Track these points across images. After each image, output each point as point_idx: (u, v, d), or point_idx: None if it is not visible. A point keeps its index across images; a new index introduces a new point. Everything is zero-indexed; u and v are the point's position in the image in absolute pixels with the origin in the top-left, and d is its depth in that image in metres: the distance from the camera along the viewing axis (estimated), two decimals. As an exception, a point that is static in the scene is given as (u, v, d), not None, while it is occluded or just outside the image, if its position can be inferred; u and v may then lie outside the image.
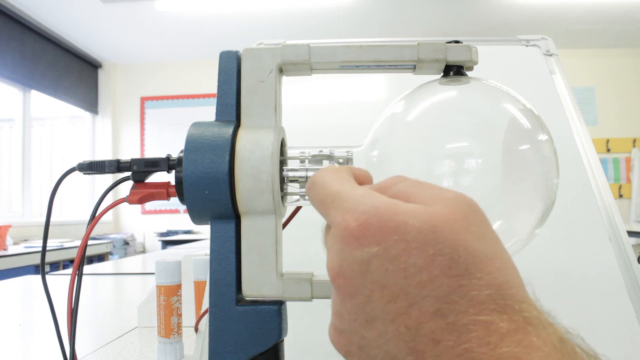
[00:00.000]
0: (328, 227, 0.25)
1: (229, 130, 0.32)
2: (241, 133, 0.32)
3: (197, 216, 0.32)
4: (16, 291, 1.33)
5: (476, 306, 0.19)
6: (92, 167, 0.35)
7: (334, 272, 0.22)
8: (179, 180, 0.32)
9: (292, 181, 0.33)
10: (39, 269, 0.37)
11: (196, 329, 0.54)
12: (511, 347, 0.18)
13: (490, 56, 0.55)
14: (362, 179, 0.27)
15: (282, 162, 0.33)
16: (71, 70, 4.21)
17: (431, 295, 0.19)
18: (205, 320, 0.50)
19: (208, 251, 0.35)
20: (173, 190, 0.34)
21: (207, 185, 0.31)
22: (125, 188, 0.35)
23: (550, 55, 0.68)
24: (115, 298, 1.21)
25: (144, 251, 4.53)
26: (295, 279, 0.32)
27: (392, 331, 0.20)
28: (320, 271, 0.33)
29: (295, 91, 0.64)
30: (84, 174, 0.36)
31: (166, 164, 0.34)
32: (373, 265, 0.20)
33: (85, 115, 4.54)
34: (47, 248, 0.46)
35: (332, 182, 0.24)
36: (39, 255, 1.67)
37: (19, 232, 3.32)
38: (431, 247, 0.20)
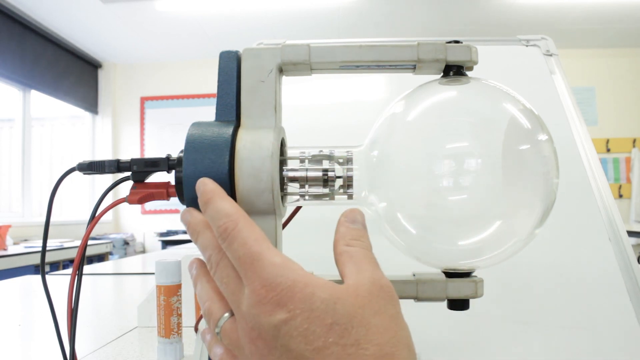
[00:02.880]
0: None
1: (229, 130, 0.32)
2: (241, 133, 0.32)
3: (197, 216, 0.32)
4: (16, 291, 1.33)
5: None
6: (92, 167, 0.35)
7: (253, 335, 0.24)
8: (179, 180, 0.32)
9: (292, 181, 0.33)
10: (39, 269, 0.37)
11: (196, 329, 0.54)
12: None
13: (490, 56, 0.55)
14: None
15: (282, 162, 0.33)
16: (71, 70, 4.21)
17: None
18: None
19: (208, 251, 0.35)
20: (173, 190, 0.34)
21: (207, 185, 0.31)
22: (125, 188, 0.35)
23: (550, 55, 0.68)
24: (115, 298, 1.21)
25: (144, 251, 4.53)
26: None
27: None
28: (320, 271, 0.33)
29: (295, 91, 0.64)
30: (84, 174, 0.36)
31: (166, 164, 0.34)
32: (283, 330, 0.23)
33: (85, 115, 4.54)
34: (47, 248, 0.46)
35: (251, 241, 0.26)
36: (39, 255, 1.67)
37: (19, 232, 3.31)
38: (330, 316, 0.23)
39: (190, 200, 0.31)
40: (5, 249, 2.74)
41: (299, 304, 0.23)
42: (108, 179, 3.46)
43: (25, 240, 3.31)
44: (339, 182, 0.33)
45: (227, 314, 0.27)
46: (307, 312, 0.23)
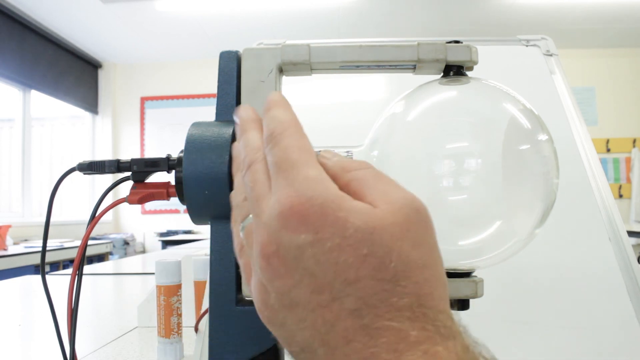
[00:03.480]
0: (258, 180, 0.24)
1: (229, 130, 0.32)
2: (241, 133, 0.32)
3: (197, 216, 0.32)
4: (16, 291, 1.33)
5: (392, 312, 0.20)
6: (92, 167, 0.35)
7: (269, 250, 0.22)
8: (179, 180, 0.32)
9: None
10: (39, 269, 0.37)
11: (196, 329, 0.54)
12: (416, 355, 0.19)
13: (490, 56, 0.55)
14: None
15: (282, 162, 0.33)
16: (71, 70, 4.21)
17: (354, 295, 0.20)
18: (205, 320, 0.51)
19: (208, 251, 0.35)
20: (173, 190, 0.34)
21: (207, 185, 0.31)
22: (125, 188, 0.35)
23: (550, 55, 0.68)
24: (115, 298, 1.21)
25: (144, 251, 4.53)
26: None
27: (310, 320, 0.21)
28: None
29: (295, 91, 0.64)
30: (84, 174, 0.36)
31: (166, 164, 0.34)
32: (307, 253, 0.21)
33: (85, 115, 4.54)
34: (47, 248, 0.46)
35: (291, 147, 0.23)
36: (39, 255, 1.67)
37: (19, 232, 3.31)
38: (366, 247, 0.20)
39: (191, 200, 0.31)
40: (5, 249, 2.74)
41: (329, 228, 0.20)
42: (108, 179, 3.46)
43: (25, 240, 3.31)
44: (339, 182, 0.33)
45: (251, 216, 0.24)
46: (338, 238, 0.20)
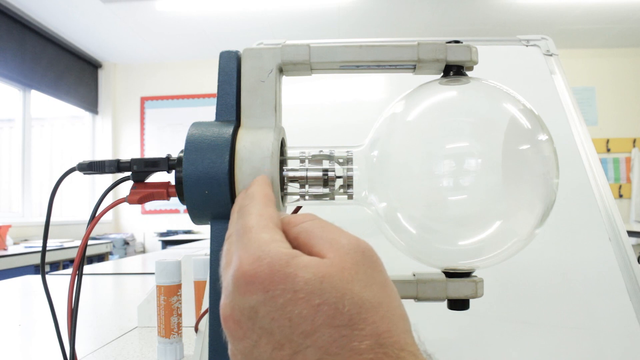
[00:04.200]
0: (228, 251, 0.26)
1: (229, 130, 0.32)
2: (241, 133, 0.32)
3: (197, 216, 0.32)
4: (16, 291, 1.33)
5: (354, 357, 0.20)
6: (92, 167, 0.35)
7: (225, 315, 0.22)
8: (179, 180, 0.32)
9: (292, 181, 0.33)
10: (39, 269, 0.37)
11: (196, 329, 0.54)
12: None
13: (490, 56, 0.55)
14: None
15: (282, 162, 0.33)
16: (71, 70, 4.21)
17: (314, 346, 0.20)
18: (205, 320, 0.51)
19: (208, 251, 0.35)
20: (173, 190, 0.34)
21: (207, 185, 0.31)
22: (125, 188, 0.35)
23: (550, 55, 0.68)
24: (115, 298, 1.21)
25: (144, 251, 4.53)
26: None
27: None
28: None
29: (295, 91, 0.64)
30: (84, 174, 0.36)
31: (166, 164, 0.34)
32: (261, 312, 0.21)
33: (85, 115, 4.54)
34: (47, 248, 0.46)
35: (252, 215, 0.25)
36: (39, 255, 1.67)
37: (19, 232, 3.31)
38: (317, 297, 0.20)
39: (191, 200, 0.31)
40: (5, 249, 2.74)
41: (279, 285, 0.21)
42: (108, 179, 3.46)
43: (25, 240, 3.31)
44: (339, 182, 0.33)
45: None
46: (289, 293, 0.21)
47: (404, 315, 0.22)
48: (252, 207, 0.26)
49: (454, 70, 0.34)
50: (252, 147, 0.31)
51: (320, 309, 0.20)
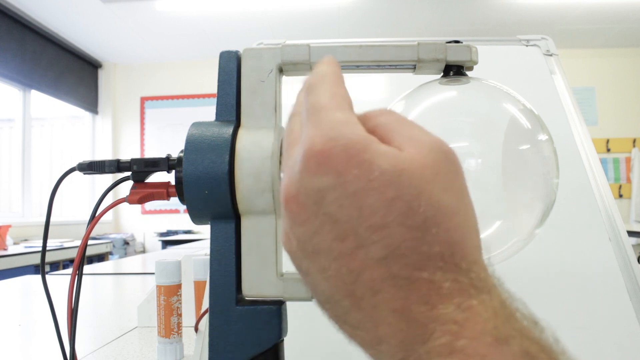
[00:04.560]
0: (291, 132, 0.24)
1: (229, 130, 0.32)
2: (241, 133, 0.32)
3: (197, 216, 0.32)
4: (16, 291, 1.33)
5: (423, 262, 0.18)
6: (92, 167, 0.35)
7: (289, 194, 0.20)
8: (179, 180, 0.32)
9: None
10: (39, 269, 0.37)
11: (196, 329, 0.54)
12: (450, 309, 0.18)
13: (490, 56, 0.55)
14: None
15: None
16: (71, 70, 4.21)
17: (380, 242, 0.18)
18: (205, 320, 0.51)
19: (208, 251, 0.35)
20: (173, 190, 0.34)
21: (207, 185, 0.31)
22: (125, 188, 0.35)
23: (550, 55, 0.68)
24: (115, 298, 1.21)
25: (144, 251, 4.53)
26: (295, 279, 0.32)
27: (333, 269, 0.19)
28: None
29: (295, 91, 0.64)
30: (84, 174, 0.36)
31: (166, 164, 0.34)
32: (329, 197, 0.19)
33: (85, 115, 4.54)
34: (47, 248, 0.46)
35: (324, 94, 0.22)
36: (39, 255, 1.67)
37: (19, 232, 3.31)
38: (393, 190, 0.18)
39: (191, 200, 0.31)
40: (5, 249, 2.74)
41: (353, 170, 0.19)
42: (108, 179, 3.46)
43: (25, 240, 3.31)
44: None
45: None
46: (363, 180, 0.19)
47: (478, 231, 0.20)
48: (325, 85, 0.23)
49: (454, 70, 0.34)
50: (252, 147, 0.31)
51: (393, 204, 0.18)
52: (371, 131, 0.21)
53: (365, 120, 0.23)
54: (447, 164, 0.20)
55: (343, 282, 0.19)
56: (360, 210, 0.19)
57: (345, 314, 0.20)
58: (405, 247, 0.18)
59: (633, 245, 0.65)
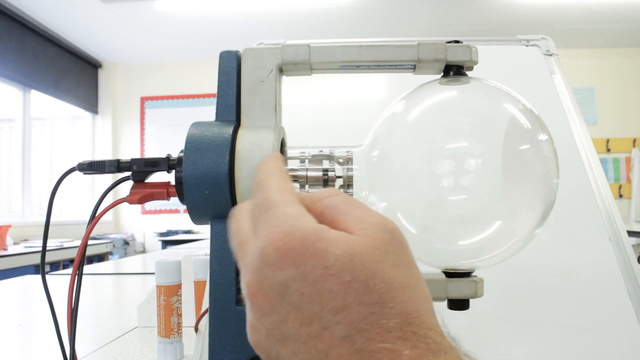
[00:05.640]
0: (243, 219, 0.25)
1: (229, 130, 0.32)
2: (241, 133, 0.32)
3: (197, 216, 0.32)
4: (16, 291, 1.33)
5: (383, 334, 0.20)
6: (92, 167, 0.35)
7: (252, 290, 0.22)
8: (179, 180, 0.32)
9: (292, 181, 0.33)
10: (39, 269, 0.37)
11: (196, 329, 0.54)
12: None
13: (490, 56, 0.55)
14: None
15: (282, 162, 0.33)
16: (71, 70, 4.21)
17: (343, 322, 0.20)
18: (205, 320, 0.51)
19: (208, 251, 0.35)
20: (173, 190, 0.34)
21: (207, 185, 0.31)
22: (125, 188, 0.35)
23: (550, 55, 0.68)
24: (115, 298, 1.21)
25: (144, 251, 4.53)
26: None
27: (303, 352, 0.21)
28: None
29: (295, 91, 0.64)
30: (84, 174, 0.36)
31: (166, 164, 0.34)
32: (291, 287, 0.21)
33: (85, 115, 4.54)
34: (47, 248, 0.46)
35: (273, 191, 0.24)
36: (39, 255, 1.67)
37: (19, 232, 3.31)
38: (348, 274, 0.20)
39: (191, 200, 0.31)
40: (5, 249, 2.74)
41: (310, 260, 0.21)
42: (108, 179, 3.46)
43: (25, 240, 3.31)
44: (339, 182, 0.33)
45: None
46: (320, 269, 0.21)
47: (429, 298, 0.22)
48: (272, 182, 0.25)
49: (454, 70, 0.34)
50: (252, 147, 0.31)
51: (350, 286, 0.20)
52: (320, 214, 0.24)
53: (312, 202, 0.24)
54: (393, 243, 0.22)
55: None
56: (321, 296, 0.20)
57: None
58: (366, 323, 0.20)
59: (633, 245, 0.65)
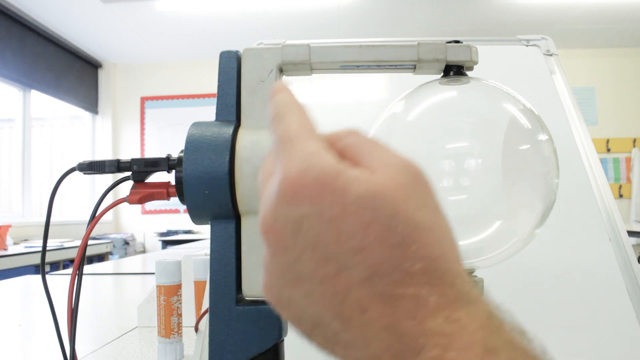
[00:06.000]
0: (268, 161, 0.24)
1: (229, 130, 0.32)
2: (241, 133, 0.32)
3: (197, 216, 0.32)
4: (16, 291, 1.33)
5: (407, 278, 0.19)
6: (92, 167, 0.35)
7: (266, 226, 0.21)
8: (179, 180, 0.32)
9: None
10: (39, 269, 0.37)
11: (196, 329, 0.54)
12: (438, 322, 0.18)
13: (490, 56, 0.55)
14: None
15: (282, 162, 0.33)
16: (71, 70, 4.21)
17: (362, 263, 0.19)
18: (205, 320, 0.51)
19: (208, 251, 0.35)
20: (173, 190, 0.34)
21: (207, 185, 0.31)
22: (125, 188, 0.35)
23: (550, 55, 0.68)
24: (115, 298, 1.21)
25: (144, 251, 4.53)
26: (295, 279, 0.32)
27: (319, 293, 0.20)
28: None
29: (295, 91, 0.64)
30: (84, 174, 0.36)
31: (166, 163, 0.34)
32: (306, 225, 0.20)
33: (85, 115, 4.54)
34: (47, 248, 0.46)
35: (292, 124, 0.23)
36: (39, 255, 1.67)
37: (19, 232, 3.31)
38: (369, 213, 0.19)
39: (191, 200, 0.31)
40: (5, 249, 2.74)
41: (327, 197, 0.19)
42: (108, 179, 3.46)
43: (25, 240, 3.31)
44: (339, 182, 0.33)
45: None
46: (338, 206, 0.19)
47: (457, 245, 0.21)
48: (291, 115, 0.23)
49: (454, 70, 0.34)
50: (252, 147, 0.31)
51: (371, 226, 0.19)
52: (341, 151, 0.22)
53: (334, 140, 0.23)
54: (418, 183, 0.21)
55: (330, 303, 0.20)
56: (339, 235, 0.19)
57: (336, 336, 0.20)
58: (388, 265, 0.19)
59: (633, 245, 0.65)
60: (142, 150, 4.65)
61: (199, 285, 0.66)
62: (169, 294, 0.60)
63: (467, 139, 0.33)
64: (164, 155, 0.34)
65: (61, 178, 0.35)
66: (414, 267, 0.19)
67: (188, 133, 0.32)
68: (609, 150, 4.51)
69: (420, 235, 0.19)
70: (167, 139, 4.62)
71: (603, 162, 4.45)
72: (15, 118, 3.73)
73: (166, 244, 4.11)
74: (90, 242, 1.42)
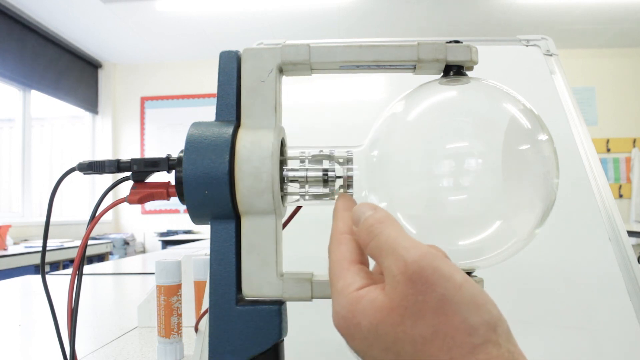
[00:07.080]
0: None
1: (229, 130, 0.32)
2: (241, 133, 0.32)
3: (197, 216, 0.32)
4: (16, 291, 1.33)
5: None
6: (92, 167, 0.35)
7: (336, 326, 0.25)
8: (179, 180, 0.32)
9: (292, 181, 0.33)
10: (39, 269, 0.37)
11: (196, 329, 0.54)
12: None
13: (490, 56, 0.55)
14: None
15: (282, 162, 0.33)
16: (71, 70, 4.21)
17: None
18: (205, 320, 0.51)
19: (208, 251, 0.35)
20: (173, 190, 0.34)
21: (207, 185, 0.31)
22: (125, 188, 0.35)
23: (550, 55, 0.68)
24: (115, 298, 1.21)
25: (144, 251, 4.53)
26: (295, 279, 0.32)
27: None
28: (320, 271, 0.33)
29: (295, 91, 0.64)
30: (84, 174, 0.36)
31: (166, 164, 0.34)
32: (353, 348, 0.25)
33: (85, 115, 4.54)
34: (47, 248, 0.46)
35: (332, 255, 0.28)
36: (39, 255, 1.67)
37: (19, 232, 3.31)
38: (382, 342, 0.23)
39: (191, 200, 0.31)
40: (5, 249, 2.74)
41: (356, 334, 0.24)
42: (108, 179, 3.46)
43: (25, 240, 3.31)
44: (339, 182, 0.33)
45: None
46: (362, 340, 0.24)
47: (471, 328, 0.21)
48: (333, 247, 0.28)
49: (454, 70, 0.34)
50: (252, 147, 0.31)
51: (387, 352, 0.22)
52: (371, 254, 0.26)
53: (365, 242, 0.27)
54: (414, 290, 0.23)
55: None
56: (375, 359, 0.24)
57: None
58: None
59: (633, 245, 0.65)
60: (142, 150, 4.65)
61: (199, 285, 0.66)
62: (169, 294, 0.60)
63: (467, 139, 0.33)
64: (164, 155, 0.34)
65: (61, 178, 0.35)
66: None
67: (188, 133, 0.32)
68: (609, 150, 4.51)
69: (423, 348, 0.21)
70: (167, 139, 4.62)
71: (603, 162, 4.45)
72: (15, 118, 3.73)
73: (166, 244, 4.11)
74: (90, 242, 1.42)
